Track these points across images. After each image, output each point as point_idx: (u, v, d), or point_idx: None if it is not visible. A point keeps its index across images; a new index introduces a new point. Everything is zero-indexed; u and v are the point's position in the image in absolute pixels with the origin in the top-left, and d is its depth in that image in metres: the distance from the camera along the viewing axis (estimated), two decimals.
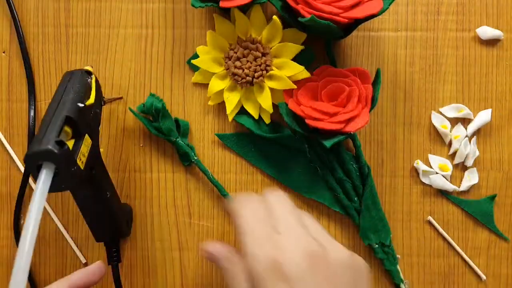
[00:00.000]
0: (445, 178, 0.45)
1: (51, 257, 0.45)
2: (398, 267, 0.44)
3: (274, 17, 0.41)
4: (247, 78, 0.42)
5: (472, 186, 0.45)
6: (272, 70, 0.42)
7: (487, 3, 0.45)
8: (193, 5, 0.40)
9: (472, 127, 0.45)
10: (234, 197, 0.36)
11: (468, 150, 0.44)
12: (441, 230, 0.45)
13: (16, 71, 0.46)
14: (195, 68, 0.45)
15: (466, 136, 0.45)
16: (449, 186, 0.44)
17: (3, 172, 0.46)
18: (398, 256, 0.45)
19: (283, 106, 0.42)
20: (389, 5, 0.38)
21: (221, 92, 0.44)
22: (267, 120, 0.44)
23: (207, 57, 0.43)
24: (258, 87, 0.43)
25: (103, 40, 0.46)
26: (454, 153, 0.45)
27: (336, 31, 0.39)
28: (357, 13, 0.38)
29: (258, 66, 0.42)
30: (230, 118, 0.44)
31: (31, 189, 0.45)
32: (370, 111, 0.40)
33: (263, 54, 0.42)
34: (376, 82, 0.41)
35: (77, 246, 0.45)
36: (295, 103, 0.42)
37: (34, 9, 0.46)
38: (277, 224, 0.33)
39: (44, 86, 0.46)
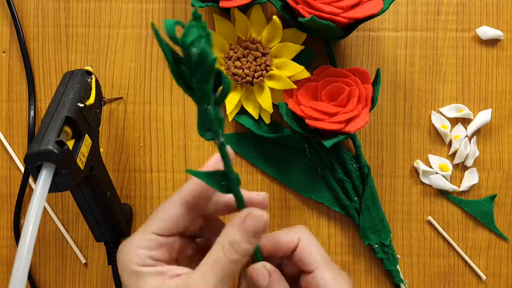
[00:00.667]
0: (445, 178, 0.45)
1: (51, 257, 0.45)
2: (398, 267, 0.44)
3: (274, 17, 0.41)
4: (247, 78, 0.42)
5: (472, 186, 0.45)
6: (272, 70, 0.42)
7: (487, 3, 0.45)
8: (193, 5, 0.41)
9: (472, 127, 0.45)
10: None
11: (468, 150, 0.44)
12: (441, 230, 0.45)
13: (16, 71, 0.46)
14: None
15: (466, 136, 0.45)
16: (449, 186, 0.44)
17: (3, 172, 0.46)
18: (398, 256, 0.45)
19: (283, 106, 0.42)
20: (389, 5, 0.38)
21: None
22: (267, 120, 0.44)
23: None
24: (258, 87, 0.43)
25: (103, 40, 0.46)
26: (454, 153, 0.45)
27: (336, 31, 0.39)
28: (357, 13, 0.38)
29: (258, 66, 0.42)
30: (230, 118, 0.44)
31: (31, 189, 0.45)
32: (370, 111, 0.40)
33: (263, 54, 0.42)
34: (376, 82, 0.41)
35: (77, 246, 0.45)
36: (295, 103, 0.42)
37: (34, 9, 0.46)
38: None
39: (44, 86, 0.46)
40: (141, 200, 0.45)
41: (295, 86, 0.42)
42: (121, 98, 0.45)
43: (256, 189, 0.45)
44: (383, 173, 0.45)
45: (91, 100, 0.37)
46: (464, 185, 0.44)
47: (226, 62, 0.43)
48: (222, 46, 0.43)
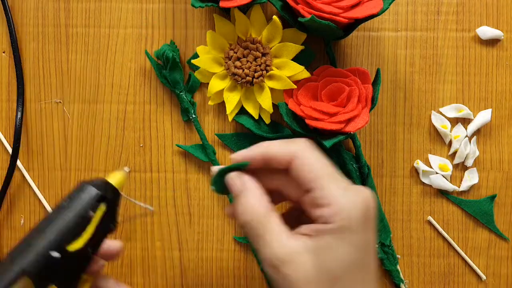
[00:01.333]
0: (445, 178, 0.45)
1: None
2: (398, 267, 0.44)
3: (274, 17, 0.41)
4: (247, 78, 0.42)
5: (472, 186, 0.45)
6: (272, 70, 0.42)
7: (487, 3, 0.45)
8: (193, 5, 0.40)
9: (472, 127, 0.45)
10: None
11: (468, 150, 0.44)
12: (441, 230, 0.45)
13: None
14: (195, 68, 0.45)
15: (466, 136, 0.45)
16: (449, 186, 0.44)
17: (3, 172, 0.46)
18: (398, 256, 0.45)
19: (283, 106, 0.42)
20: (389, 5, 0.38)
21: (221, 92, 0.44)
22: (267, 120, 0.44)
23: (207, 57, 0.43)
24: (258, 87, 0.43)
25: (103, 40, 0.46)
26: (454, 153, 0.45)
27: (336, 31, 0.39)
28: (357, 13, 0.38)
29: (258, 66, 0.42)
30: (230, 118, 0.44)
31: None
32: (370, 111, 0.40)
33: (263, 54, 0.42)
34: (376, 82, 0.41)
35: None
36: (295, 103, 0.42)
37: (34, 9, 0.46)
38: None
39: (44, 86, 0.45)
40: (141, 200, 0.45)
41: (295, 86, 0.42)
42: (152, 209, 0.43)
43: None
44: (383, 173, 0.45)
45: (79, 243, 0.27)
46: (464, 185, 0.44)
47: (226, 62, 0.43)
48: (222, 46, 0.43)
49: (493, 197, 0.45)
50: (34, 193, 0.45)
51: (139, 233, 0.45)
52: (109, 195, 0.29)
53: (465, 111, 0.44)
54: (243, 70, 0.42)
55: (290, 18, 0.41)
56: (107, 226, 0.29)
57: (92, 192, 0.28)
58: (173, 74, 0.43)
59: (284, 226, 0.29)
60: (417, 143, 0.45)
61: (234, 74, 0.43)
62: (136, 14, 0.46)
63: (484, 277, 0.44)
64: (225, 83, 0.43)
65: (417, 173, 0.45)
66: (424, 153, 0.45)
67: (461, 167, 0.45)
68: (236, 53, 0.43)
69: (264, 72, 0.42)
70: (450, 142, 0.45)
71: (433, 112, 0.45)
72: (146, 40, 0.45)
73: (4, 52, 0.46)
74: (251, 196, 0.29)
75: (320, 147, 0.44)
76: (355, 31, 0.44)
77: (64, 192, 0.46)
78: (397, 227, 0.45)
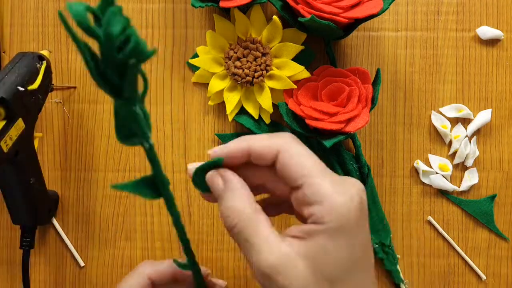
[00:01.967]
0: (445, 178, 0.45)
1: (51, 258, 0.45)
2: (398, 267, 0.44)
3: (274, 17, 0.41)
4: (247, 78, 0.42)
5: (472, 186, 0.45)
6: (272, 70, 0.42)
7: (487, 3, 0.45)
8: (193, 5, 0.40)
9: (472, 127, 0.45)
10: None
11: (468, 150, 0.44)
12: (441, 230, 0.45)
13: None
14: (195, 68, 0.45)
15: (466, 136, 0.45)
16: (449, 186, 0.44)
17: None
18: (398, 256, 0.45)
19: (283, 106, 0.42)
20: (389, 5, 0.38)
21: (221, 92, 0.44)
22: (267, 120, 0.44)
23: (207, 57, 0.43)
24: (258, 87, 0.43)
25: None
26: (454, 153, 0.45)
27: (336, 31, 0.39)
28: (357, 13, 0.38)
29: (258, 66, 0.42)
30: (230, 118, 0.44)
31: None
32: (370, 111, 0.40)
33: (263, 54, 0.42)
34: (376, 82, 0.41)
35: (76, 249, 0.45)
36: (295, 103, 0.42)
37: (34, 9, 0.46)
38: None
39: None
40: (141, 200, 0.45)
41: (295, 86, 0.42)
42: (74, 87, 0.45)
43: None
44: (383, 173, 0.45)
45: (35, 85, 0.37)
46: (464, 185, 0.44)
47: (226, 62, 0.43)
48: (222, 46, 0.43)
49: (493, 197, 0.45)
50: None
51: (139, 233, 0.45)
52: (45, 58, 0.39)
53: (465, 111, 0.44)
54: (243, 70, 0.42)
55: (290, 18, 0.41)
56: (49, 76, 0.40)
57: (33, 54, 0.38)
58: (135, 82, 0.26)
59: (274, 229, 0.26)
60: (417, 143, 0.45)
61: (234, 74, 0.43)
62: (136, 14, 0.46)
63: (484, 277, 0.44)
64: (225, 83, 0.43)
65: (417, 173, 0.45)
66: (424, 153, 0.45)
67: (461, 167, 0.45)
68: (236, 53, 0.43)
69: (264, 72, 0.42)
70: (450, 142, 0.45)
71: (433, 112, 0.45)
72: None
73: (4, 52, 0.46)
74: (236, 196, 0.27)
75: (320, 147, 0.44)
76: (355, 31, 0.44)
77: (64, 192, 0.46)
78: (397, 227, 0.45)
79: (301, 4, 0.38)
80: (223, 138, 0.45)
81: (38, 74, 0.38)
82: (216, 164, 0.28)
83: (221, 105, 0.45)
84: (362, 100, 0.40)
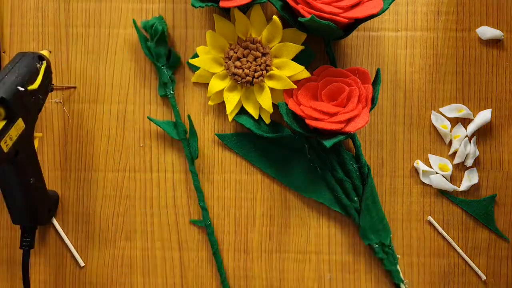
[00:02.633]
0: (445, 178, 0.45)
1: (51, 258, 0.45)
2: (398, 267, 0.44)
3: (274, 17, 0.41)
4: (247, 78, 0.42)
5: (472, 186, 0.45)
6: (272, 70, 0.42)
7: (487, 3, 0.45)
8: (193, 5, 0.40)
9: (472, 127, 0.45)
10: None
11: (468, 150, 0.44)
12: (441, 230, 0.45)
13: None
14: (195, 68, 0.45)
15: (466, 136, 0.45)
16: (449, 186, 0.44)
17: None
18: (398, 256, 0.45)
19: (283, 106, 0.42)
20: (389, 5, 0.38)
21: (221, 92, 0.44)
22: (267, 120, 0.44)
23: (207, 57, 0.43)
24: (258, 87, 0.43)
25: (103, 40, 0.46)
26: (454, 153, 0.45)
27: (336, 31, 0.39)
28: (357, 13, 0.38)
29: (258, 66, 0.42)
30: (230, 118, 0.44)
31: None
32: (370, 111, 0.40)
33: (263, 54, 0.42)
34: (376, 82, 0.41)
35: (76, 249, 0.45)
36: (295, 103, 0.42)
37: (34, 9, 0.46)
38: None
39: None
40: (141, 200, 0.45)
41: (295, 86, 0.42)
42: (74, 87, 0.45)
43: (256, 189, 0.45)
44: (383, 173, 0.45)
45: (35, 85, 0.37)
46: (464, 185, 0.44)
47: (226, 62, 0.43)
48: (222, 46, 0.43)
49: (493, 197, 0.45)
50: None
51: (139, 233, 0.45)
52: (45, 58, 0.39)
53: (465, 111, 0.44)
54: (243, 70, 0.42)
55: (290, 18, 0.41)
56: (49, 77, 0.40)
57: (33, 54, 0.38)
58: (158, 48, 0.43)
59: None
60: (417, 143, 0.45)
61: (234, 74, 0.43)
62: (136, 14, 0.46)
63: (484, 277, 0.44)
64: (225, 83, 0.43)
65: (417, 173, 0.45)
66: (424, 153, 0.45)
67: (461, 167, 0.45)
68: (236, 53, 0.43)
69: (264, 72, 0.42)
70: (450, 142, 0.45)
71: (433, 112, 0.45)
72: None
73: (4, 52, 0.46)
74: None
75: (320, 147, 0.44)
76: (355, 31, 0.44)
77: (64, 192, 0.46)
78: (397, 227, 0.45)
79: (301, 4, 0.38)
80: (223, 138, 0.45)
81: (38, 74, 0.38)
82: None
83: (221, 105, 0.45)
84: (362, 100, 0.40)
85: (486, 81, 0.45)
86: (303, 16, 0.38)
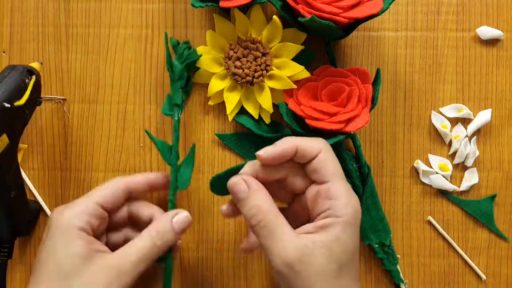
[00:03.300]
0: (445, 178, 0.45)
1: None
2: (398, 267, 0.44)
3: (274, 17, 0.41)
4: (247, 78, 0.42)
5: (472, 186, 0.45)
6: (272, 70, 0.42)
7: (487, 3, 0.45)
8: (193, 5, 0.41)
9: (472, 127, 0.45)
10: None
11: (468, 150, 0.44)
12: (441, 230, 0.45)
13: None
14: (195, 68, 0.45)
15: (466, 136, 0.45)
16: (449, 186, 0.44)
17: None
18: (398, 256, 0.45)
19: (283, 106, 0.42)
20: (389, 5, 0.38)
21: (221, 92, 0.44)
22: (267, 120, 0.44)
23: (207, 57, 0.43)
24: (258, 87, 0.43)
25: (103, 40, 0.46)
26: (454, 153, 0.45)
27: (336, 31, 0.39)
28: (357, 13, 0.38)
29: (258, 66, 0.42)
30: (230, 118, 0.44)
31: None
32: (370, 111, 0.40)
33: (263, 54, 0.42)
34: (376, 82, 0.41)
35: None
36: (295, 103, 0.42)
37: (34, 9, 0.46)
38: None
39: (44, 87, 0.45)
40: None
41: (295, 86, 0.42)
42: (64, 99, 0.45)
43: None
44: (383, 173, 0.45)
45: (22, 101, 0.36)
46: (464, 185, 0.44)
47: (226, 62, 0.43)
48: (222, 46, 0.43)
49: (493, 197, 0.45)
50: (32, 193, 0.45)
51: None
52: (35, 72, 0.39)
53: (465, 111, 0.44)
54: (243, 70, 0.42)
55: (290, 18, 0.41)
56: (38, 91, 0.39)
57: (23, 68, 0.38)
58: (185, 71, 0.42)
59: (291, 227, 0.32)
60: (417, 143, 0.45)
61: (234, 74, 0.43)
62: (136, 14, 0.46)
63: (484, 277, 0.44)
64: (225, 83, 0.43)
65: (417, 173, 0.45)
66: (424, 153, 0.45)
67: (461, 167, 0.45)
68: (236, 53, 0.43)
69: (264, 72, 0.42)
70: (450, 142, 0.45)
71: (433, 112, 0.45)
72: (146, 40, 0.45)
73: (4, 52, 0.46)
74: (260, 197, 0.33)
75: None
76: (355, 31, 0.44)
77: (64, 192, 0.46)
78: (397, 227, 0.45)
79: (301, 4, 0.38)
80: (223, 138, 0.45)
81: (26, 89, 0.37)
82: (234, 171, 0.35)
83: (221, 105, 0.45)
84: (362, 100, 0.40)
85: (486, 81, 0.45)
86: (303, 16, 0.38)
